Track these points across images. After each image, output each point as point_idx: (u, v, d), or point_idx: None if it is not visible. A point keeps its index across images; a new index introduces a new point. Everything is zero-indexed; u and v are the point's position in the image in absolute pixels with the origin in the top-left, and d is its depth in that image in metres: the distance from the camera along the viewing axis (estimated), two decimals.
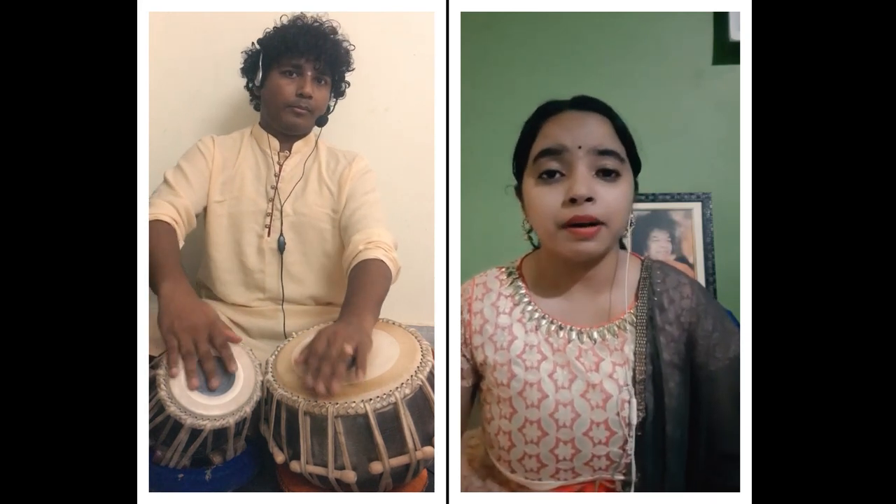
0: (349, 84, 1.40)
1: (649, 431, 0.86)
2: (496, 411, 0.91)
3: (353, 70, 1.38)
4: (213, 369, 1.00)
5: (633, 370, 0.87)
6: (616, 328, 0.90)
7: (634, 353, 0.88)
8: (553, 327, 0.90)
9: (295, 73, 1.28)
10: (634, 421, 0.85)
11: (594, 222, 0.83)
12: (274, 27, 1.30)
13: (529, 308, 0.92)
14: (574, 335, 0.89)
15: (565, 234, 0.84)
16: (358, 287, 1.10)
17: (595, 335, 0.89)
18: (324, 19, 1.31)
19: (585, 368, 0.87)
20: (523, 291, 0.93)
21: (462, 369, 0.95)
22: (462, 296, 0.95)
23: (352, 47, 1.35)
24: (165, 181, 1.24)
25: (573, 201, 0.82)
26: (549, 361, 0.88)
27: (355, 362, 0.95)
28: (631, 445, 0.86)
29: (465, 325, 0.94)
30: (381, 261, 1.14)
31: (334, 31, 1.32)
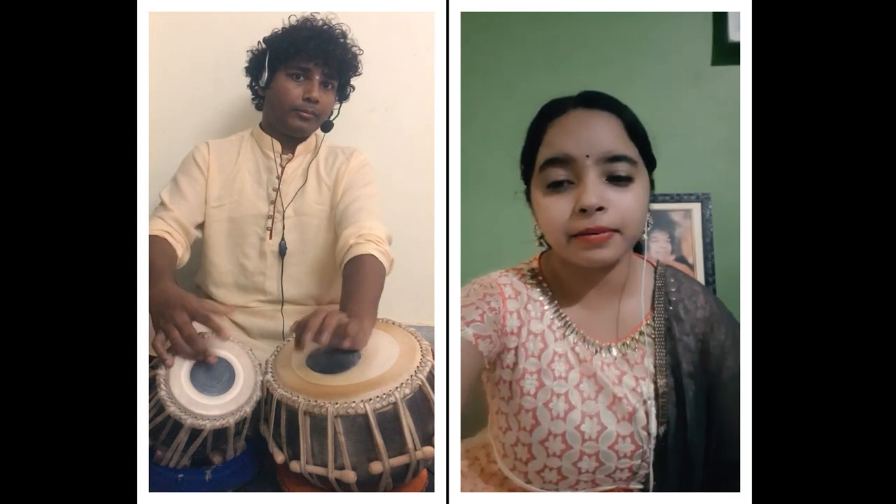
0: (353, 88, 1.39)
1: (671, 443, 0.85)
2: (514, 423, 0.87)
3: (360, 75, 1.37)
4: (193, 335, 0.99)
5: (655, 383, 0.86)
6: (635, 342, 0.88)
7: (655, 366, 0.86)
8: (577, 338, 0.88)
9: (303, 77, 1.27)
10: (654, 432, 0.84)
11: (607, 230, 0.79)
12: (283, 27, 1.29)
13: (556, 314, 0.89)
14: (594, 349, 0.87)
15: (577, 242, 0.80)
16: (352, 290, 1.09)
17: (614, 352, 0.88)
18: (334, 22, 1.30)
19: (610, 381, 0.85)
20: (550, 295, 0.90)
21: (489, 350, 0.85)
22: (489, 288, 0.89)
23: (360, 52, 1.34)
24: (161, 201, 1.25)
25: (583, 211, 0.79)
26: (576, 371, 0.86)
27: (351, 358, 0.96)
28: (650, 458, 0.84)
29: (499, 316, 0.86)
30: (373, 255, 1.13)
31: (344, 35, 1.30)
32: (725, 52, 1.50)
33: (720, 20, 1.50)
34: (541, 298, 0.90)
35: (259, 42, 1.31)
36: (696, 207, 1.51)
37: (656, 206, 1.50)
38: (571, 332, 0.88)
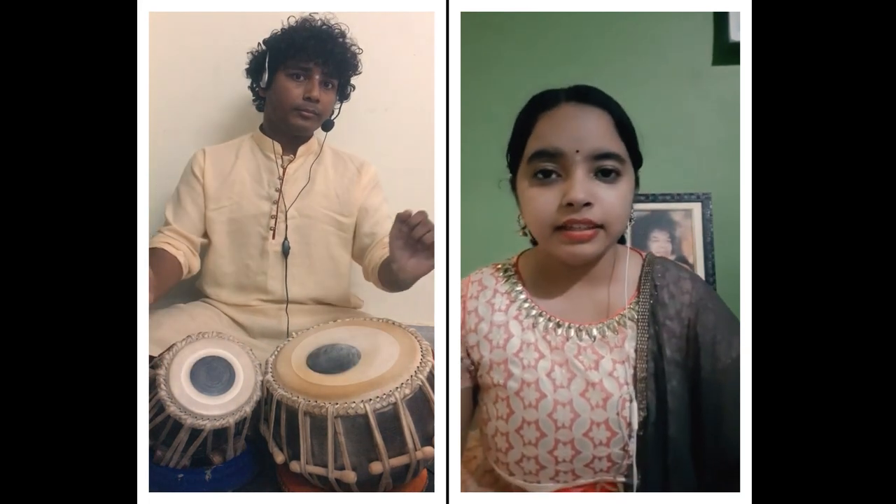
0: (354, 87, 1.40)
1: (651, 432, 0.84)
2: (493, 411, 0.89)
3: (360, 74, 1.37)
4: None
5: (635, 368, 0.85)
6: (616, 324, 0.87)
7: (636, 350, 0.86)
8: (551, 324, 0.88)
9: (303, 77, 1.27)
10: (636, 421, 0.83)
11: (592, 226, 0.80)
12: (282, 28, 1.29)
13: (526, 305, 0.90)
14: (573, 332, 0.87)
15: (560, 237, 0.81)
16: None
17: (594, 332, 0.87)
18: (332, 22, 1.30)
19: (584, 367, 0.85)
20: (520, 288, 0.91)
21: (471, 374, 0.92)
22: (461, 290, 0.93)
23: (359, 51, 1.35)
24: (165, 220, 1.30)
25: (570, 205, 0.80)
26: (547, 360, 0.86)
27: (351, 358, 1.01)
28: (632, 447, 0.83)
29: (460, 324, 0.91)
30: None
31: (343, 34, 1.31)
32: (726, 52, 1.50)
33: (721, 20, 1.50)
34: (508, 291, 0.92)
35: (259, 43, 1.31)
36: (696, 207, 1.51)
37: (657, 206, 1.50)
38: (544, 321, 0.88)
